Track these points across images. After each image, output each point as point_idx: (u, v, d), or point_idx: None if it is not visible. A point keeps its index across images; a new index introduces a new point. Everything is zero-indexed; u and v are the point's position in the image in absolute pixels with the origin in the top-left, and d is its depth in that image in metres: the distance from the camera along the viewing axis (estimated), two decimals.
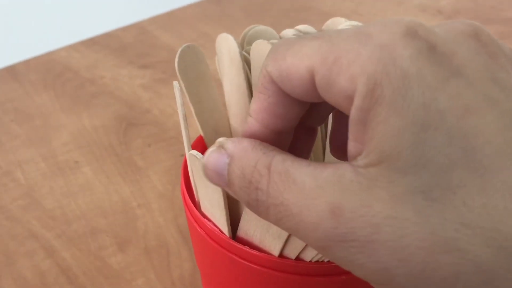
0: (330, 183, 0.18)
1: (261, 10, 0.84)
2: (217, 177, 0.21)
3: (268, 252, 0.27)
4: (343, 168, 0.18)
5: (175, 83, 0.30)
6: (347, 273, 0.28)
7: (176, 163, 0.54)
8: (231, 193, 0.21)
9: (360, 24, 0.35)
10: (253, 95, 0.22)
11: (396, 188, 0.17)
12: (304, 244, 0.25)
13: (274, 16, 0.82)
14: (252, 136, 0.22)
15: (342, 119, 0.24)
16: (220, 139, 0.22)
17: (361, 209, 0.18)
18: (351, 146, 0.19)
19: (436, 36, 0.18)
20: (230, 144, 0.21)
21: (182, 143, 0.56)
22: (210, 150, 0.22)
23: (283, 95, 0.21)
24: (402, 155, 0.17)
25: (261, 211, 0.20)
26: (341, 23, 0.35)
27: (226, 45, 0.32)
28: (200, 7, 0.84)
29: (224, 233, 0.29)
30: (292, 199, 0.19)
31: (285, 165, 0.19)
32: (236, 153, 0.21)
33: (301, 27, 0.35)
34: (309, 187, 0.19)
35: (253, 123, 0.22)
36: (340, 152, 0.25)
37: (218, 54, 0.33)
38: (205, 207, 0.30)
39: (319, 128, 0.36)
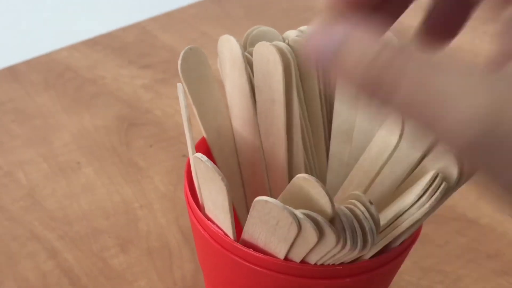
0: (489, 77, 0.16)
1: (262, 10, 0.84)
2: (322, 55, 0.18)
3: (273, 255, 0.27)
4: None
5: (179, 85, 0.30)
6: (352, 275, 0.28)
7: (177, 164, 0.54)
8: (333, 72, 0.19)
9: None
10: None
11: None
12: (310, 248, 0.25)
13: (275, 16, 0.82)
14: None
15: None
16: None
17: None
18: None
19: None
20: (346, 22, 0.19)
21: (184, 144, 0.56)
22: (318, 25, 0.19)
23: None
24: None
25: (383, 96, 0.17)
26: None
27: (228, 47, 0.32)
28: (201, 7, 0.83)
29: (228, 236, 0.29)
30: (435, 88, 0.16)
31: (423, 50, 0.17)
32: (357, 31, 0.18)
33: (304, 28, 0.35)
34: (459, 79, 0.16)
35: None
36: (433, 33, 0.22)
37: (220, 55, 0.33)
38: (209, 209, 0.30)
39: (322, 127, 0.36)
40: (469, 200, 0.51)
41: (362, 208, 0.25)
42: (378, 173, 0.29)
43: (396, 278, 0.44)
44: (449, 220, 0.49)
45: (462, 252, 0.46)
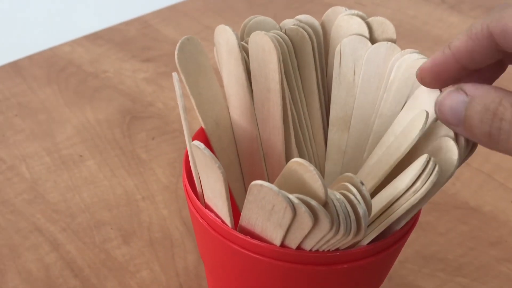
0: None
1: (264, 2, 0.84)
2: (451, 114, 0.25)
3: (270, 241, 0.27)
4: None
5: (174, 74, 0.30)
6: (349, 261, 0.28)
7: (179, 156, 0.54)
8: (461, 129, 0.25)
9: (360, 13, 0.35)
10: (461, 35, 0.26)
11: None
12: (305, 233, 0.25)
13: (277, 9, 0.82)
14: (440, 61, 0.27)
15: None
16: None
17: None
18: None
19: None
20: (470, 86, 0.25)
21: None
22: (448, 91, 0.26)
23: (489, 47, 0.25)
24: None
25: (502, 139, 0.24)
26: (341, 12, 0.35)
27: (225, 37, 0.32)
28: (204, 1, 0.84)
29: (226, 223, 0.29)
30: None
31: None
32: (478, 93, 0.25)
33: (301, 17, 0.35)
34: None
35: (448, 54, 0.27)
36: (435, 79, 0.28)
37: (217, 45, 0.33)
38: (208, 197, 0.30)
39: (320, 115, 0.36)
40: (472, 188, 0.51)
41: (355, 190, 0.25)
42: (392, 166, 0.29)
43: (398, 266, 0.44)
44: (451, 208, 0.49)
45: (464, 240, 0.46)
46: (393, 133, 0.31)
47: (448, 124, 0.26)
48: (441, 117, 0.26)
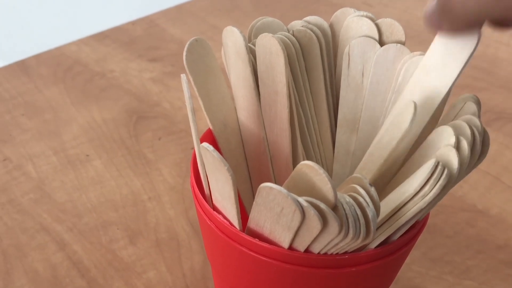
0: None
1: (271, 2, 0.84)
2: (433, 18, 0.28)
3: (278, 244, 0.27)
4: None
5: (183, 76, 0.30)
6: (357, 265, 0.28)
7: (186, 156, 0.54)
8: (446, 26, 0.28)
9: (369, 14, 0.34)
10: None
11: None
12: (313, 236, 0.25)
13: (284, 8, 0.82)
14: None
15: None
16: None
17: None
18: None
19: None
20: None
21: (192, 136, 0.56)
22: (427, 5, 0.28)
23: None
24: None
25: (447, 13, 0.26)
26: (350, 14, 0.35)
27: (232, 38, 0.32)
28: (209, 0, 0.83)
29: (234, 226, 0.29)
30: None
31: None
32: None
33: (310, 18, 0.35)
34: None
35: None
36: None
37: (224, 47, 0.33)
38: (216, 199, 0.30)
39: (328, 117, 0.36)
40: (479, 190, 0.51)
41: (363, 192, 0.24)
42: (386, 160, 0.29)
43: (404, 268, 0.44)
44: (458, 210, 0.49)
45: (471, 242, 0.46)
46: (384, 127, 0.31)
47: (437, 28, 0.29)
48: (429, 26, 0.29)
